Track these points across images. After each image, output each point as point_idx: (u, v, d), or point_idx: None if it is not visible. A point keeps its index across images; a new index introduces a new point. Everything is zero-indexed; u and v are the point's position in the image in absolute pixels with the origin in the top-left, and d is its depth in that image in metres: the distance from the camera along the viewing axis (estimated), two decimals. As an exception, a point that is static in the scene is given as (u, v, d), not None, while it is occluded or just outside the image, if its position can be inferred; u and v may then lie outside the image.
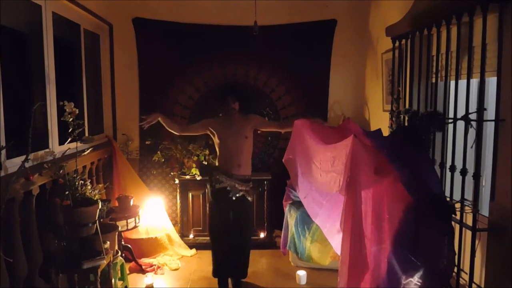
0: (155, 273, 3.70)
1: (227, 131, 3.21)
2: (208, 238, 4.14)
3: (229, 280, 3.38)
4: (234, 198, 3.18)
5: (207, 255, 3.97)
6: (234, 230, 3.25)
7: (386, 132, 2.83)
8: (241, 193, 3.20)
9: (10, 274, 2.17)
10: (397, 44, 3.00)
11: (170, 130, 3.27)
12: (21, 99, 2.86)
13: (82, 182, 2.60)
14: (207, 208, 3.43)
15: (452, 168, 2.26)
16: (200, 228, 4.29)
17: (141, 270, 3.74)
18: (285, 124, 3.59)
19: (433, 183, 2.01)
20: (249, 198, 3.28)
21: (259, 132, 3.70)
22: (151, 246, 4.05)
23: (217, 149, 3.31)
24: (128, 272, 3.56)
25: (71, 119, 2.50)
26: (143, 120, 3.15)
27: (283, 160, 3.00)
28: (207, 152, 4.20)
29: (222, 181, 3.18)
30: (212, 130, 3.26)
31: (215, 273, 3.35)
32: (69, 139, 2.55)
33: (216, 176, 3.21)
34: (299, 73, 4.47)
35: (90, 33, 3.95)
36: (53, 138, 2.99)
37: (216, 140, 3.27)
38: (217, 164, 3.32)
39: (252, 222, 4.15)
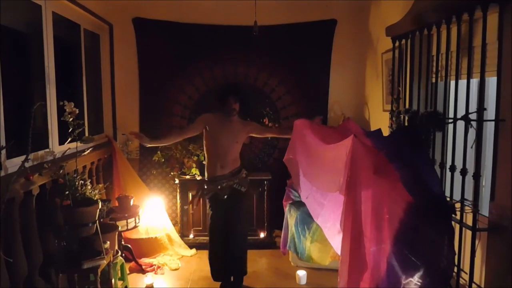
0: (155, 273, 3.70)
1: (221, 129, 3.18)
2: (207, 238, 4.14)
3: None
4: (225, 197, 3.18)
5: (207, 255, 3.98)
6: (228, 223, 3.22)
7: (386, 132, 2.83)
8: (230, 185, 3.17)
9: (10, 274, 2.17)
10: (397, 44, 3.00)
11: (167, 144, 3.41)
12: (21, 99, 2.86)
13: (82, 182, 2.59)
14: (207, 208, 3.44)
15: (452, 168, 2.26)
16: (200, 228, 4.28)
17: (141, 270, 3.74)
18: (283, 130, 3.55)
19: (433, 183, 2.01)
20: (242, 189, 3.23)
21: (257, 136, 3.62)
22: (151, 246, 4.05)
23: (205, 152, 3.28)
24: (128, 272, 3.55)
25: (71, 119, 2.50)
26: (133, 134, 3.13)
27: (283, 160, 3.01)
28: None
29: (210, 190, 3.20)
30: (207, 126, 3.21)
31: (215, 277, 3.34)
32: (69, 139, 2.54)
33: (204, 188, 3.24)
34: (299, 73, 4.46)
35: (90, 33, 3.95)
36: (53, 138, 2.99)
37: (206, 138, 3.23)
38: (205, 175, 3.27)
39: (248, 216, 4.11)
